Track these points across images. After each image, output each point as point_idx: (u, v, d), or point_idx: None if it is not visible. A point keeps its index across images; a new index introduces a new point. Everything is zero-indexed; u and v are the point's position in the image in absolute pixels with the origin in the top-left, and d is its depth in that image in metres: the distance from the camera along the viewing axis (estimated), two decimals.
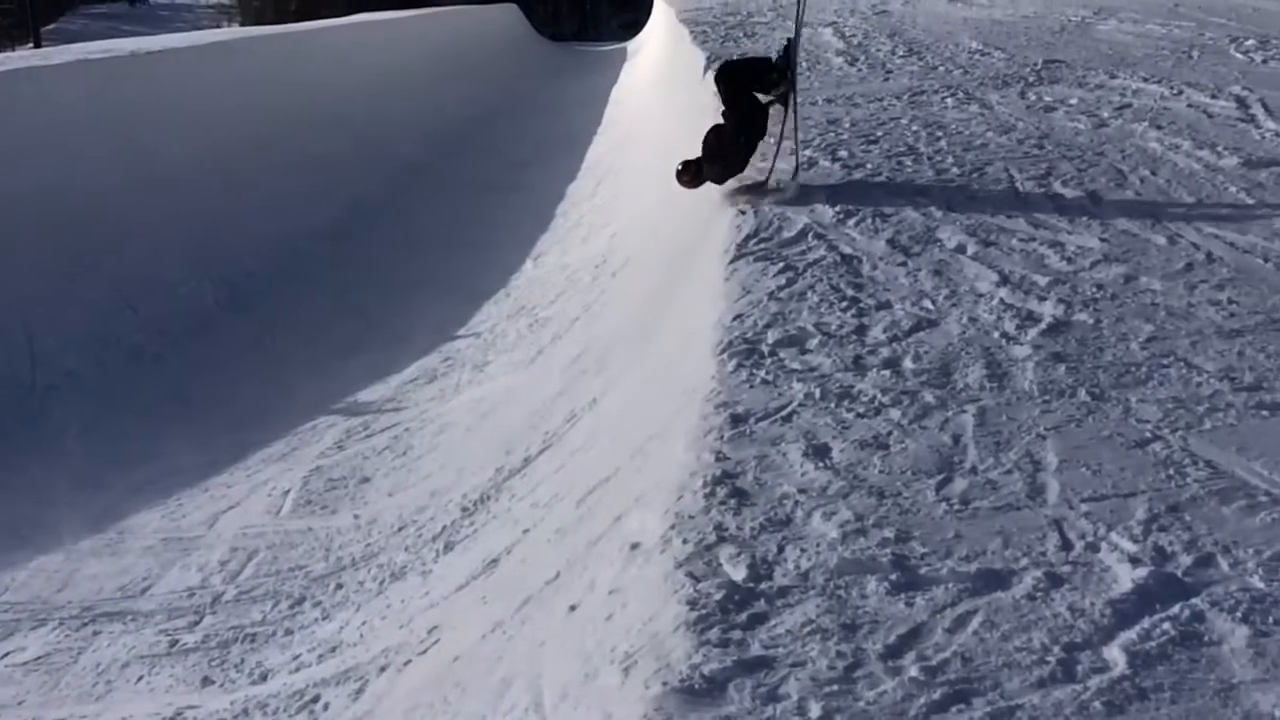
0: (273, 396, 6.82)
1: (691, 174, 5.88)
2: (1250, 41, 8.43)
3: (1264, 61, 7.71)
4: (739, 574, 2.33)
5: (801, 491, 2.70)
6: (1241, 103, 6.50)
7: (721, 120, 6.00)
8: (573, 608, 2.66)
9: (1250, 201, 4.86)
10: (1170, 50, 8.54)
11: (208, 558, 4.78)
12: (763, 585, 2.28)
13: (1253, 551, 2.26)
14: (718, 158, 5.82)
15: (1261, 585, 2.14)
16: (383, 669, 3.46)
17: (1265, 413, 2.92)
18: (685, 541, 2.50)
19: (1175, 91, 6.97)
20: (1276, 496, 2.47)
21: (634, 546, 2.66)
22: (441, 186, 12.39)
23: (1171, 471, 2.63)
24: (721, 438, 3.07)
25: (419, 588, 3.89)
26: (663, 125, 11.32)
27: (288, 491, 5.35)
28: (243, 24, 37.66)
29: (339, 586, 4.24)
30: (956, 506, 2.57)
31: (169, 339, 7.71)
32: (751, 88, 6.03)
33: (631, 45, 25.08)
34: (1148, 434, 2.85)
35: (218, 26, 35.87)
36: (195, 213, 9.21)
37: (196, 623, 4.24)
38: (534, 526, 3.79)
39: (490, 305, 8.09)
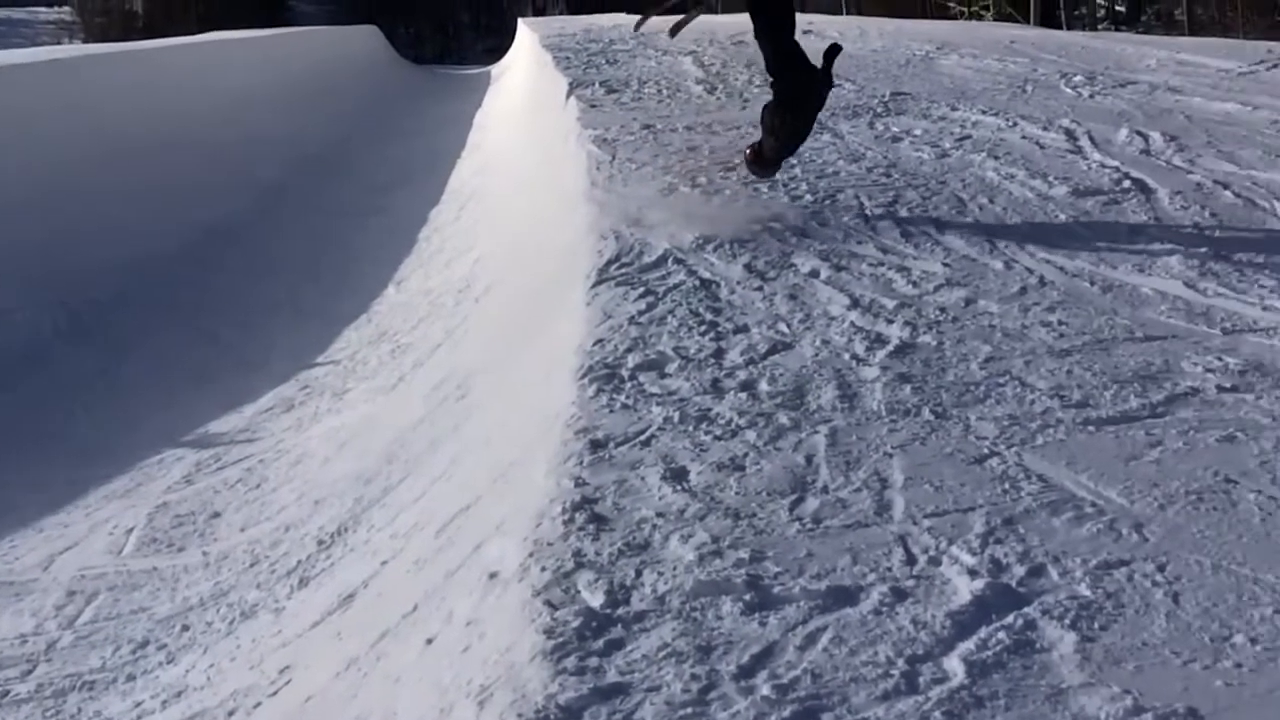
0: (116, 429, 6.51)
1: (754, 154, 5.65)
2: (1078, 77, 8.98)
3: (1091, 96, 8.21)
4: (597, 600, 2.33)
5: (660, 515, 2.72)
6: (1070, 135, 6.90)
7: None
8: (429, 641, 2.62)
9: (1078, 228, 5.16)
10: (1006, 85, 9.01)
11: (42, 602, 4.51)
12: (620, 610, 2.29)
13: (1080, 560, 2.38)
14: (767, 128, 5.55)
15: (1087, 592, 2.26)
16: (231, 713, 3.32)
17: (1091, 428, 3.09)
18: (544, 569, 2.49)
19: (1011, 124, 7.35)
20: (1101, 507, 2.62)
21: (492, 576, 2.63)
22: (300, 210, 12.09)
23: (1007, 486, 2.76)
24: (581, 463, 3.07)
25: (271, 626, 3.76)
26: (527, 150, 11.34)
27: (131, 529, 5.10)
28: (85, 41, 36.01)
29: (185, 628, 4.06)
30: (809, 525, 2.63)
31: (2, 369, 7.28)
32: None
33: (495, 69, 25.03)
34: (985, 450, 2.99)
35: (58, 44, 34.20)
36: (33, 236, 8.74)
37: (30, 671, 4.00)
38: (392, 558, 3.71)
39: (351, 331, 7.92)
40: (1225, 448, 2.91)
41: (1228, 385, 3.33)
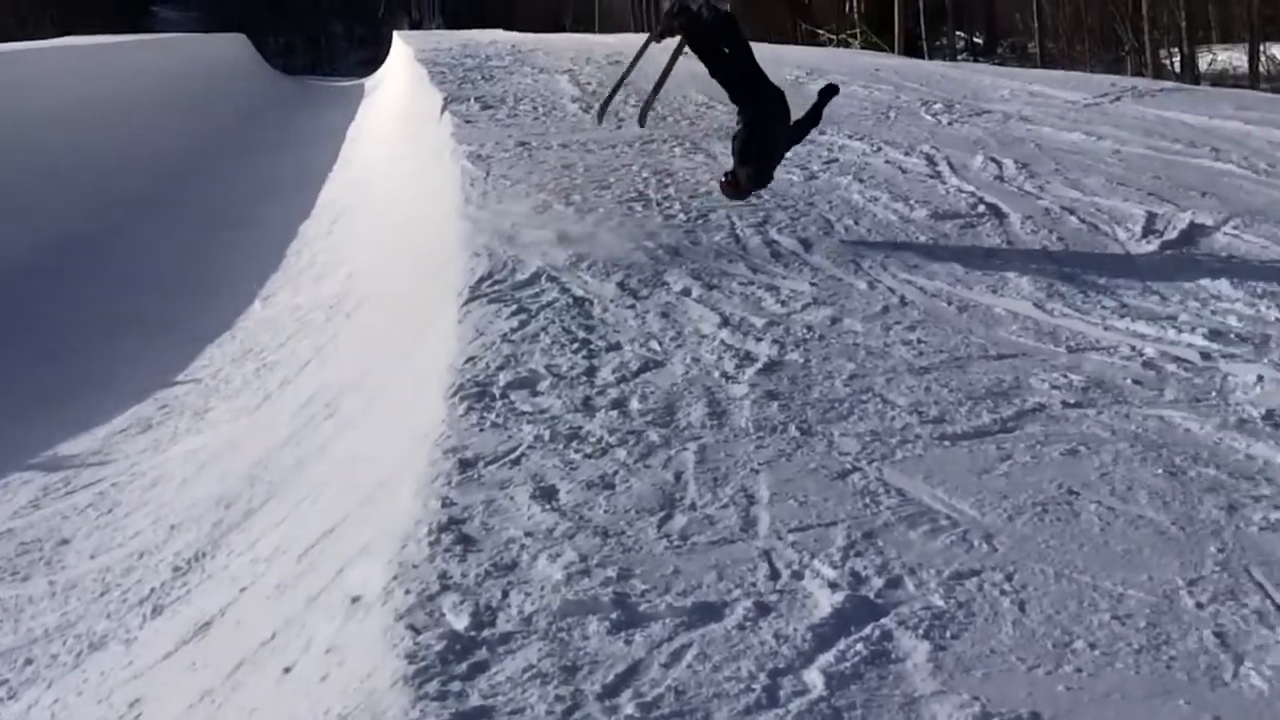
0: None
1: (731, 183, 5.64)
2: (938, 105, 9.34)
3: (949, 124, 8.55)
4: (461, 623, 2.30)
5: (528, 535, 2.71)
6: (930, 160, 7.17)
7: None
8: (287, 670, 2.54)
9: (937, 250, 5.35)
10: (872, 111, 9.31)
11: None
12: (485, 633, 2.27)
13: (934, 572, 2.47)
14: (739, 157, 5.60)
15: (941, 603, 2.34)
16: None
17: (947, 443, 3.21)
18: (407, 592, 2.45)
19: (875, 149, 7.60)
20: (955, 520, 2.72)
21: (354, 600, 2.58)
22: (163, 222, 11.60)
23: (868, 500, 2.84)
24: (450, 483, 3.04)
25: (121, 658, 3.58)
26: (400, 165, 11.16)
27: None
28: None
29: (29, 661, 3.84)
30: (676, 542, 2.66)
31: None
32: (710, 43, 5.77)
33: (370, 82, 24.60)
34: (848, 465, 3.07)
35: None
36: None
37: None
38: (252, 584, 3.59)
39: (214, 348, 7.63)
40: (1069, 461, 3.06)
41: (1072, 401, 3.50)
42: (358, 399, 5.22)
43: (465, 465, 3.13)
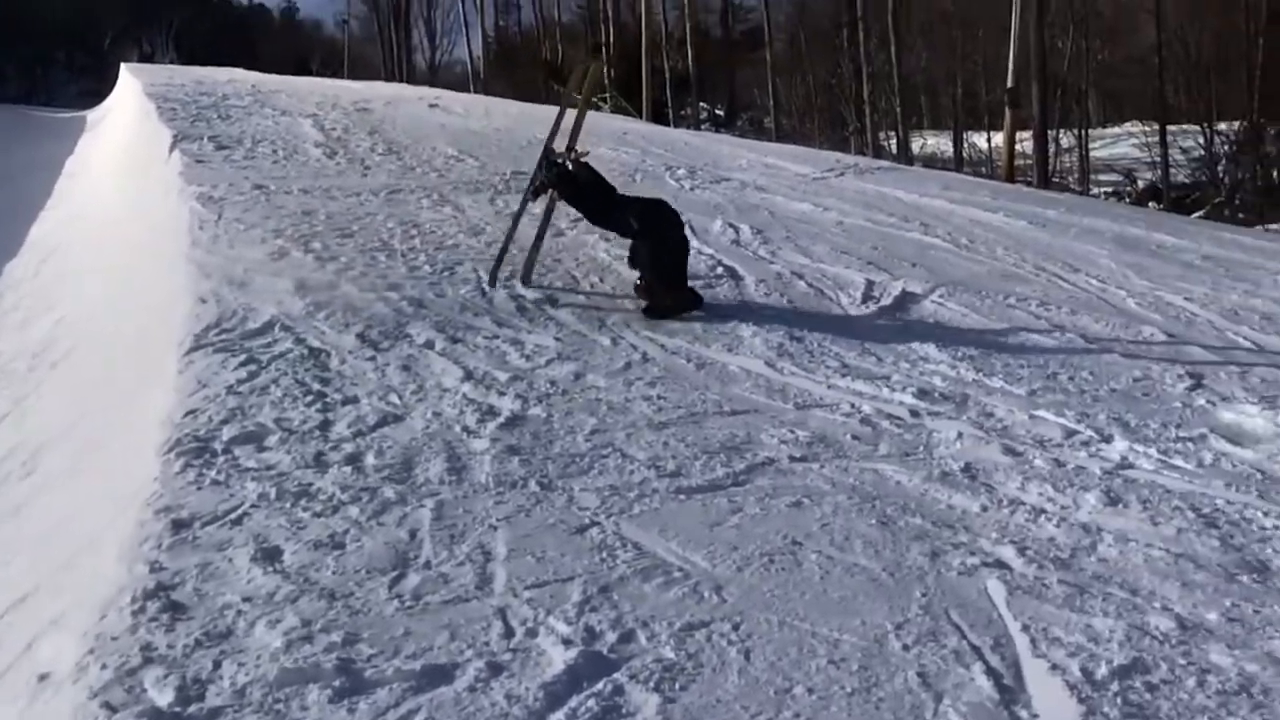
0: None
1: (647, 294, 5.49)
2: (681, 171, 9.75)
3: (692, 189, 8.93)
4: (165, 698, 2.12)
5: (246, 600, 2.54)
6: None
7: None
8: None
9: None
10: (619, 172, 9.57)
11: None
12: (192, 709, 2.09)
13: (666, 624, 2.50)
14: (644, 265, 5.52)
15: (672, 655, 2.37)
16: None
17: (683, 496, 3.29)
18: (104, 667, 2.23)
19: None
20: (688, 571, 2.78)
21: (42, 678, 2.32)
22: None
23: (605, 555, 2.86)
24: (160, 546, 2.81)
25: None
26: (123, 203, 10.42)
27: None
28: None
29: None
30: (408, 603, 2.56)
31: None
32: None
33: (93, 115, 22.91)
34: (587, 520, 3.08)
35: None
36: None
37: None
38: None
39: None
40: (794, 512, 3.20)
41: (798, 455, 3.68)
42: (61, 456, 4.76)
43: (179, 526, 2.91)
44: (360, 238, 6.49)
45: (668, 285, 5.46)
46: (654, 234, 5.54)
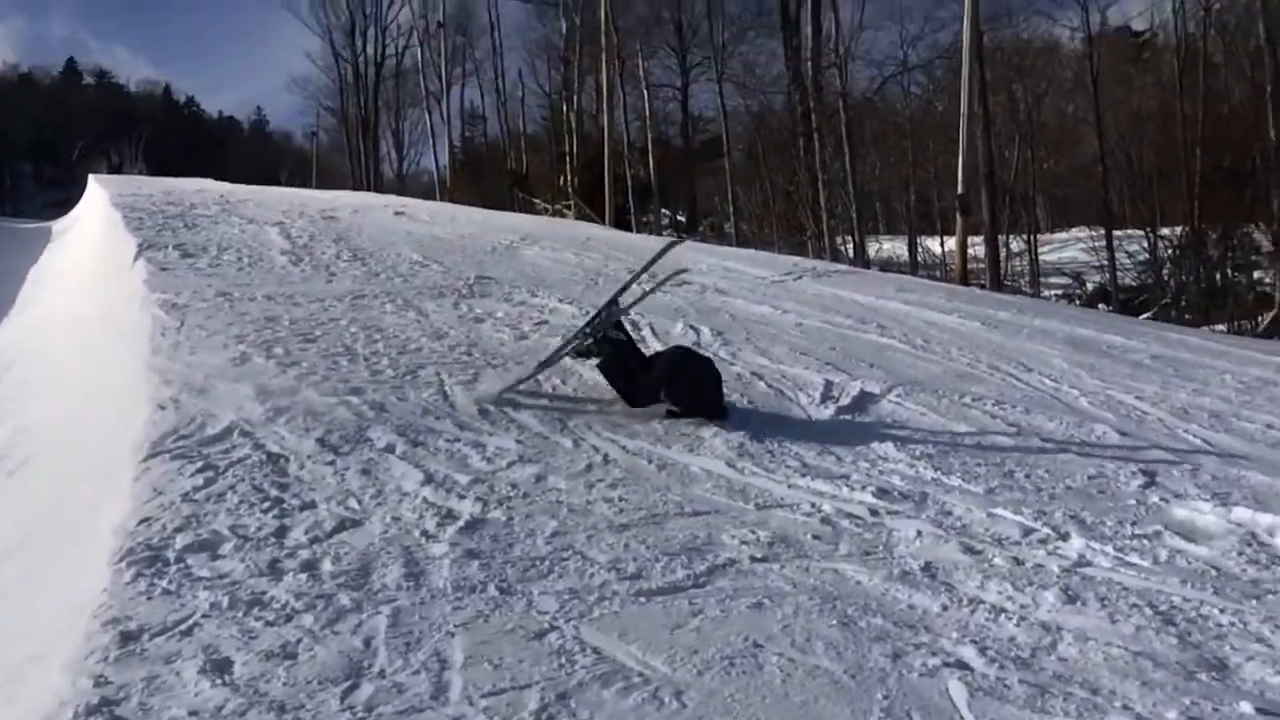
0: None
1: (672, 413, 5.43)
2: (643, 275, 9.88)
3: (653, 291, 9.04)
4: None
5: (192, 714, 2.47)
6: (635, 325, 7.52)
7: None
8: None
9: (633, 412, 5.54)
10: (582, 276, 9.72)
11: None
12: None
13: None
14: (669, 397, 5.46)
15: None
16: None
17: (643, 599, 3.27)
18: None
19: (584, 312, 7.87)
20: (648, 676, 2.74)
21: None
22: None
23: (564, 660, 2.82)
24: (106, 658, 2.74)
25: None
26: (87, 311, 10.38)
27: None
28: None
29: None
30: (360, 714, 2.51)
31: None
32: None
33: (58, 225, 22.98)
34: (546, 625, 3.05)
35: None
36: None
37: None
38: None
39: None
40: (755, 614, 3.19)
41: (759, 556, 3.68)
42: (16, 565, 4.65)
43: (127, 638, 2.84)
44: (323, 342, 6.50)
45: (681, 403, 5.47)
46: (686, 384, 5.52)
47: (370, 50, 43.14)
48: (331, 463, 4.50)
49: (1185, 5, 27.63)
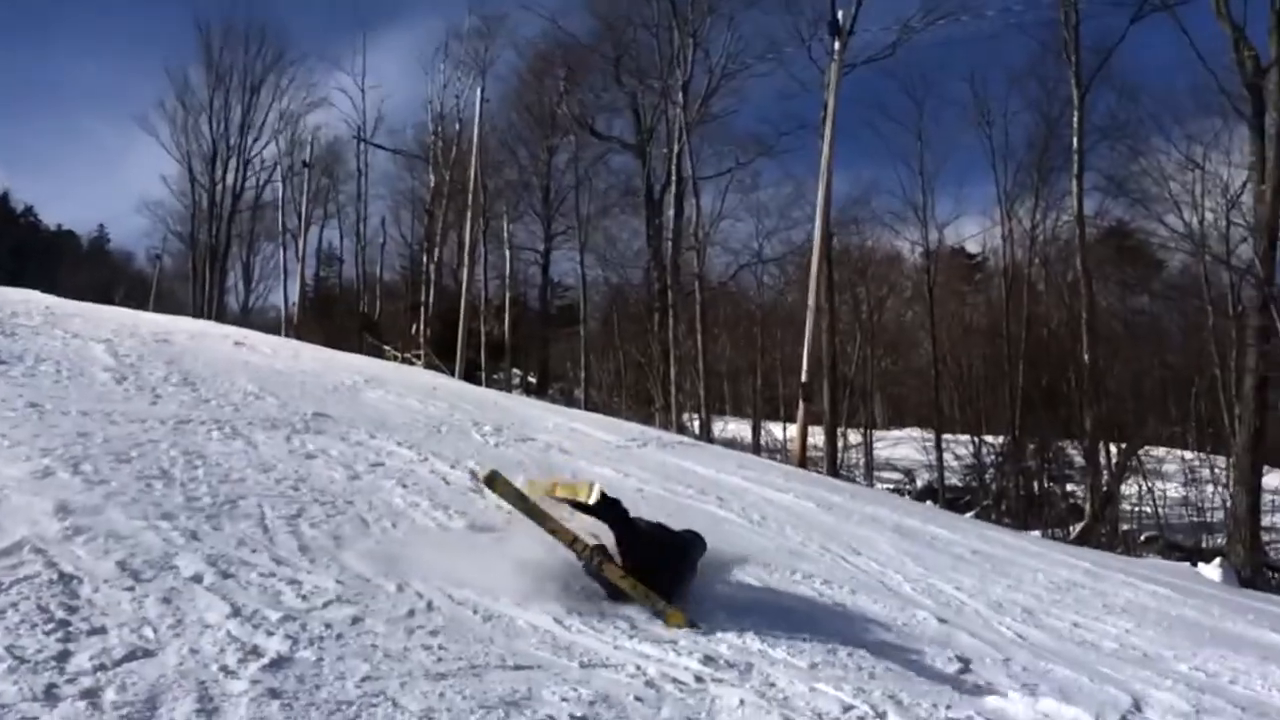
0: None
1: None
2: (488, 427, 9.82)
3: (496, 445, 8.98)
4: None
5: None
6: (474, 475, 7.41)
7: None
8: None
9: (470, 559, 5.39)
10: (425, 423, 9.57)
11: None
12: None
13: None
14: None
15: None
16: None
17: None
18: None
19: (423, 458, 7.74)
20: None
21: None
22: None
23: None
24: None
25: None
26: None
27: None
28: None
29: None
30: None
31: None
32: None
33: None
34: None
35: None
36: None
37: None
38: None
39: None
40: None
41: (579, 714, 3.55)
42: None
43: None
44: (139, 464, 6.14)
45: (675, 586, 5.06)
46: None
47: (230, 179, 42.67)
48: (130, 588, 4.18)
49: (1013, 234, 30.33)
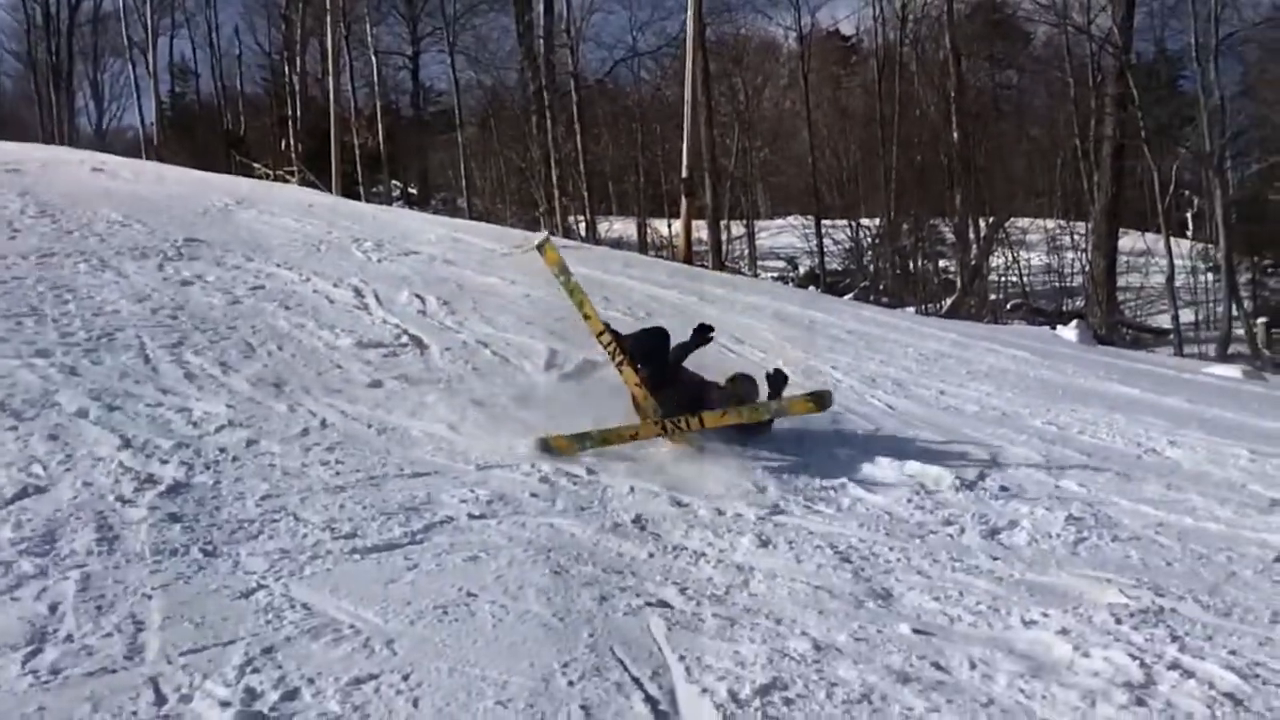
0: None
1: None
2: (369, 243, 9.67)
3: (378, 261, 8.88)
4: None
5: None
6: (358, 292, 7.37)
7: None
8: None
9: (360, 376, 5.47)
10: (302, 243, 9.37)
11: None
12: None
13: (334, 680, 2.46)
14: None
15: (337, 709, 2.34)
16: None
17: (358, 556, 3.25)
18: None
19: (304, 278, 7.64)
20: (358, 628, 2.75)
21: None
22: None
23: (271, 616, 2.77)
24: None
25: None
26: None
27: None
28: None
29: None
30: (44, 678, 2.37)
31: None
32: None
33: None
34: (254, 584, 2.97)
35: None
36: None
37: None
38: None
39: None
40: (470, 566, 3.25)
41: (477, 513, 3.74)
42: None
43: None
44: (4, 302, 5.95)
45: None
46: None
47: None
48: (14, 428, 4.16)
49: (885, 14, 30.08)
